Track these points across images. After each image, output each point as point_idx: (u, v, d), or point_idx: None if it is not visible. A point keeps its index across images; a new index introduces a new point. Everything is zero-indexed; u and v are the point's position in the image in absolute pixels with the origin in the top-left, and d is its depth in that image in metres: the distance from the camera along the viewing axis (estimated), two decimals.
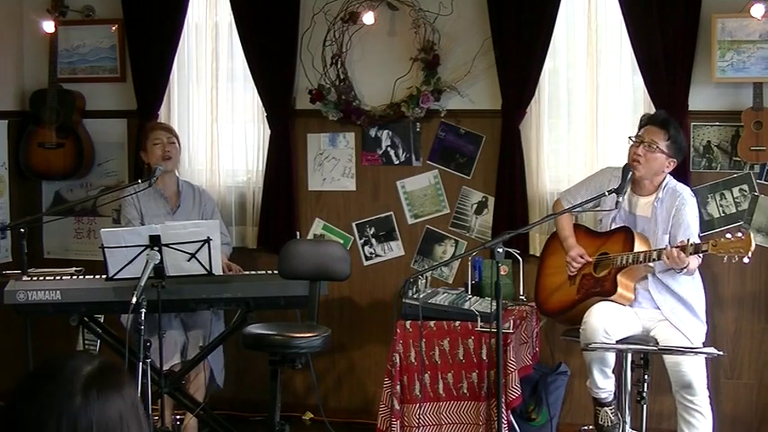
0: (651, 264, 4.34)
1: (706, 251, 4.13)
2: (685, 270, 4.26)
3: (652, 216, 4.51)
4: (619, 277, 4.41)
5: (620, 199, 4.33)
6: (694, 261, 4.27)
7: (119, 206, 5.77)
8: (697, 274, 4.52)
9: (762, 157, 4.97)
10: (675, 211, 4.44)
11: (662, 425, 5.06)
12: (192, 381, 5.04)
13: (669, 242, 4.37)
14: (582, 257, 4.60)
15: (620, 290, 4.41)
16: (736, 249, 4.02)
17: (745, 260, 4.04)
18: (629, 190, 4.48)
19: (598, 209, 4.57)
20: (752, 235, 4.02)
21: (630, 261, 4.37)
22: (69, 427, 1.55)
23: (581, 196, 4.60)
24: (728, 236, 4.10)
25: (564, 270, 4.69)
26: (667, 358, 4.33)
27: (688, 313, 4.45)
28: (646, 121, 4.59)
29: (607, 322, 4.33)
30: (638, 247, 4.39)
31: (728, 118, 5.09)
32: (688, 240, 4.20)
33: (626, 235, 4.47)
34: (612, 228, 4.59)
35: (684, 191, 4.52)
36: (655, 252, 4.28)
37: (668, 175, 4.56)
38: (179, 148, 5.29)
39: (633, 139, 4.52)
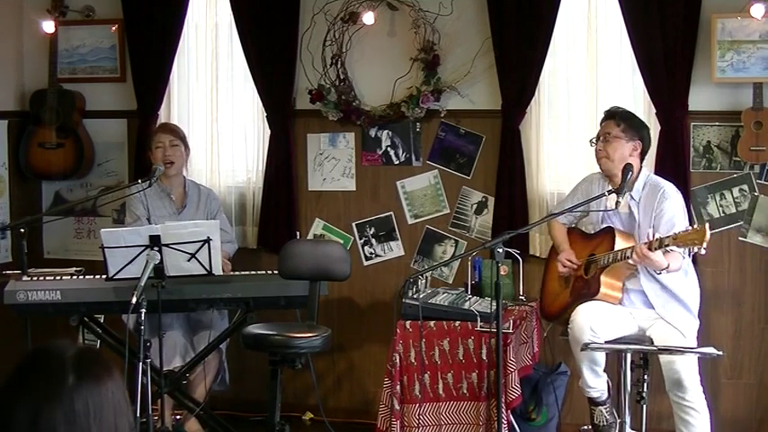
0: (631, 261, 4.34)
1: (668, 245, 4.14)
2: (666, 270, 4.27)
3: (631, 212, 4.54)
4: (602, 277, 4.47)
5: (620, 199, 4.34)
6: (675, 260, 4.26)
7: (119, 206, 5.79)
8: (692, 272, 4.54)
9: (762, 157, 4.97)
10: (657, 205, 4.46)
11: (662, 425, 5.06)
12: (200, 382, 5.03)
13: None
14: (570, 261, 4.67)
15: (603, 289, 4.46)
16: (691, 241, 4.03)
17: (702, 251, 4.06)
18: (607, 191, 4.51)
19: (593, 210, 4.59)
20: (707, 227, 4.02)
21: (610, 260, 4.43)
22: (67, 410, 1.53)
23: (569, 206, 4.68)
24: (687, 228, 4.14)
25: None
26: (662, 356, 4.34)
27: (681, 309, 4.47)
28: (600, 122, 4.71)
29: (593, 320, 4.38)
30: (619, 245, 4.44)
31: (728, 118, 5.09)
32: (653, 236, 4.22)
33: (610, 235, 4.52)
34: (600, 228, 4.64)
35: (667, 185, 4.53)
36: (628, 250, 4.31)
37: (647, 171, 4.61)
38: (185, 150, 5.28)
39: (593, 140, 4.64)
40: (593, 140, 4.63)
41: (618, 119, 4.57)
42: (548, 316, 4.93)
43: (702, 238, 4.00)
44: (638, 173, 4.56)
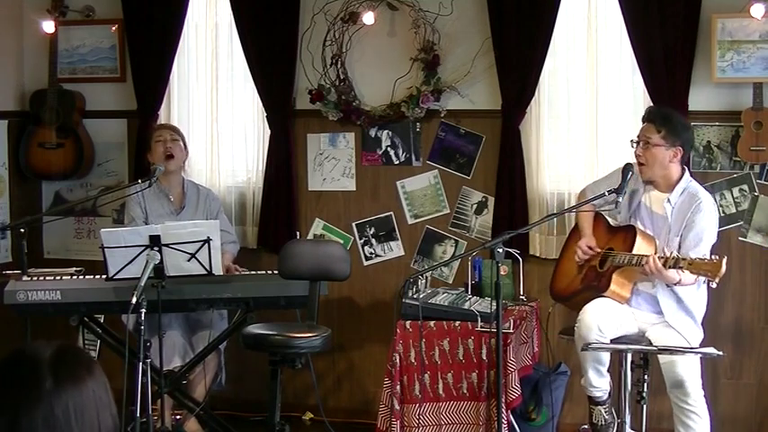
0: (646, 268, 4.30)
1: (682, 267, 4.12)
2: (677, 284, 4.26)
3: (665, 215, 4.47)
4: (614, 275, 4.43)
5: (620, 199, 4.33)
6: (689, 276, 4.21)
7: (119, 206, 5.79)
8: (704, 284, 4.50)
9: (762, 157, 4.97)
10: (690, 215, 4.38)
11: (662, 425, 5.06)
12: (199, 381, 5.03)
13: (678, 245, 4.35)
14: (590, 248, 4.59)
15: (613, 287, 4.42)
16: (705, 271, 4.01)
17: (713, 285, 4.05)
18: (644, 187, 4.50)
19: (606, 209, 4.56)
20: (724, 261, 3.97)
21: (625, 262, 4.37)
22: (47, 415, 1.48)
23: (604, 189, 4.52)
24: (704, 256, 4.12)
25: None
26: (662, 358, 4.33)
27: (689, 319, 4.44)
28: (642, 120, 4.58)
29: (601, 320, 4.35)
30: (638, 247, 4.38)
31: (728, 118, 5.09)
32: (670, 252, 4.19)
33: (630, 234, 4.45)
34: (627, 223, 4.56)
35: (705, 197, 4.44)
36: (644, 258, 4.25)
37: (688, 176, 4.51)
38: (184, 148, 5.29)
39: (633, 141, 4.51)
40: (633, 142, 4.48)
41: (659, 123, 4.41)
42: (555, 295, 4.84)
43: (717, 271, 3.96)
44: (680, 177, 4.46)
